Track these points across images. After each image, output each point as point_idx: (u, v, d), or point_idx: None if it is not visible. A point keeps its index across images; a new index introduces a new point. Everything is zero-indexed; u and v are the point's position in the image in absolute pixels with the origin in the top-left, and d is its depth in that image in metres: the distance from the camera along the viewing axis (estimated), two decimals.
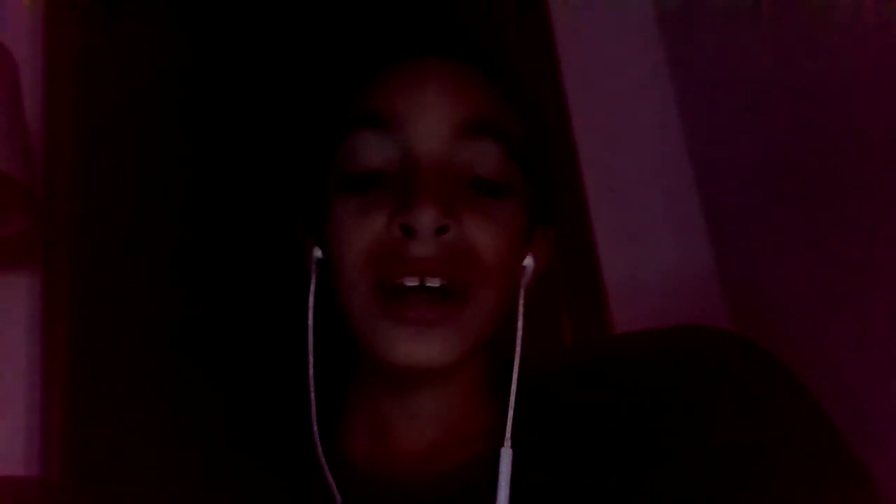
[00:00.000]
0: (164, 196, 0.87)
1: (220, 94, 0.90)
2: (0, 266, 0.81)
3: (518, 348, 0.46)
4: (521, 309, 0.47)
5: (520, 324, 0.46)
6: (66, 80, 0.89)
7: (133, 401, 0.79)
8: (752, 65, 0.79)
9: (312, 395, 0.46)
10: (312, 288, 0.47)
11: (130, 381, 0.80)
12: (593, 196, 0.89)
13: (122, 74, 0.91)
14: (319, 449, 0.45)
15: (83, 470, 0.77)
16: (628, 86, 0.93)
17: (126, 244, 0.86)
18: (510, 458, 0.43)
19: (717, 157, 0.87)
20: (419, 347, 0.42)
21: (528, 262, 0.48)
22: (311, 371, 0.46)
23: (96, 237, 0.86)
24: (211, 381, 0.79)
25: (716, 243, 0.86)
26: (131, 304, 0.83)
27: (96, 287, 0.84)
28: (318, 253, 0.47)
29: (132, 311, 0.83)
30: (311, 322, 0.46)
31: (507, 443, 0.43)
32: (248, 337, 0.80)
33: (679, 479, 0.43)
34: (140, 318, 0.83)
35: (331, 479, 0.44)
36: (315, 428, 0.45)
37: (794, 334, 0.72)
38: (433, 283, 0.42)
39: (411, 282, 0.42)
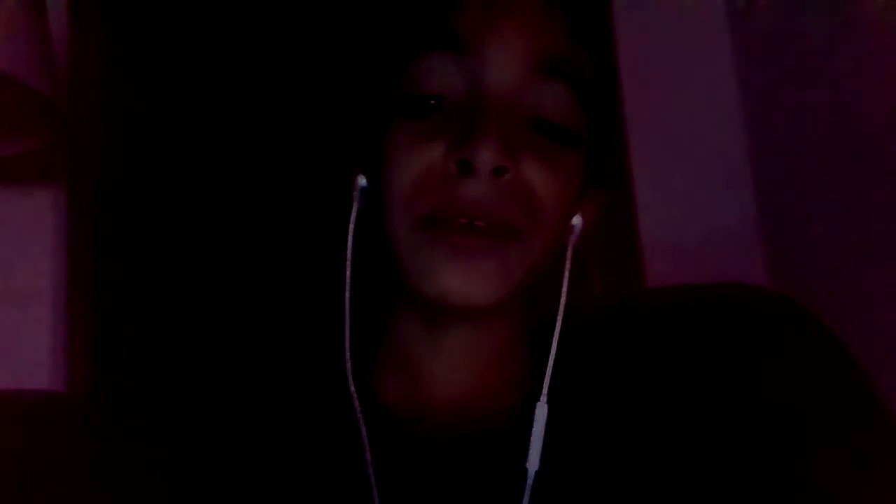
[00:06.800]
0: (197, 112, 0.84)
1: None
2: (24, 181, 0.80)
3: (562, 307, 0.45)
4: (567, 268, 0.46)
5: (565, 284, 0.45)
6: None
7: (158, 319, 0.79)
8: (813, 23, 0.75)
9: (347, 331, 0.45)
10: (353, 216, 0.46)
11: (156, 299, 0.80)
12: (635, 143, 0.85)
13: None
14: (353, 388, 0.45)
15: (107, 386, 0.78)
16: (682, 30, 0.88)
17: (152, 161, 0.84)
18: (545, 412, 0.43)
19: (773, 111, 0.83)
20: (460, 280, 0.40)
21: (577, 220, 0.47)
22: (347, 303, 0.45)
23: (122, 153, 0.84)
24: (241, 305, 0.78)
25: (763, 202, 0.83)
26: (156, 220, 0.82)
27: (121, 203, 0.83)
28: (362, 181, 0.46)
29: (157, 229, 0.82)
30: (349, 252, 0.45)
31: (544, 398, 0.43)
32: (282, 266, 0.79)
33: (716, 443, 0.42)
34: (166, 236, 0.82)
35: (361, 420, 0.44)
36: (349, 366, 0.45)
37: (834, 296, 0.70)
38: (482, 224, 0.41)
39: (461, 221, 0.41)
